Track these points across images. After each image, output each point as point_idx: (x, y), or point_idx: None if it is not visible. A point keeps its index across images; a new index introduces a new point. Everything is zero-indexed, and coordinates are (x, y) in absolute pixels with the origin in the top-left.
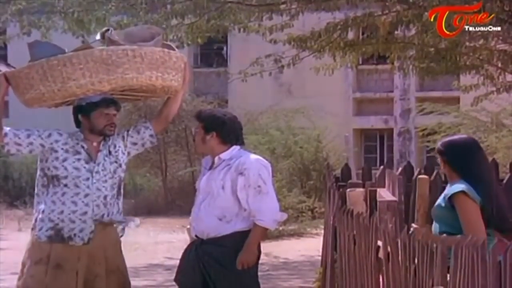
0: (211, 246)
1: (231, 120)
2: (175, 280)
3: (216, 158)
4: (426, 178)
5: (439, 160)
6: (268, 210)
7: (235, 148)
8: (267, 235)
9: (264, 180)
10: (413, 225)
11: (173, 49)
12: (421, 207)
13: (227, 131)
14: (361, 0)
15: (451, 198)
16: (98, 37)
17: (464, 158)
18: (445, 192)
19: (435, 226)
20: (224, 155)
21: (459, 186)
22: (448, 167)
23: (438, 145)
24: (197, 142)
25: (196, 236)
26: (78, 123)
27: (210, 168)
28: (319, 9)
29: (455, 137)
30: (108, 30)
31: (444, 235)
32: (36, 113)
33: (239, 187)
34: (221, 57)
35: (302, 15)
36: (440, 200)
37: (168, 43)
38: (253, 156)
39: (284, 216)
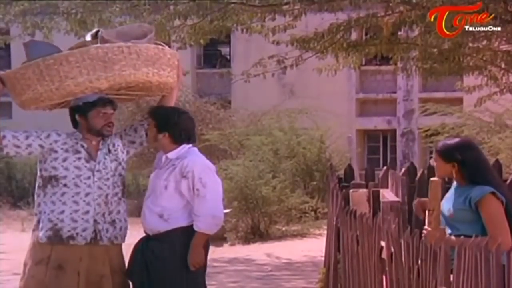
0: (154, 242)
1: (184, 120)
2: (126, 274)
3: (164, 157)
4: (438, 180)
5: (437, 166)
6: (204, 215)
7: (185, 147)
8: (268, 234)
9: (204, 183)
10: (427, 227)
11: (165, 47)
12: (434, 210)
13: (179, 131)
14: (364, 1)
15: (477, 201)
16: (88, 38)
17: (480, 159)
18: (468, 195)
19: (448, 229)
20: (171, 155)
21: (486, 188)
22: (462, 171)
23: (446, 149)
24: (149, 138)
25: (145, 232)
26: (75, 124)
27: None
28: (322, 10)
29: (456, 140)
30: (98, 30)
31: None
32: (39, 114)
33: (184, 189)
34: (224, 58)
35: (305, 16)
36: (459, 204)
37: (159, 41)
38: (198, 158)
39: (222, 218)
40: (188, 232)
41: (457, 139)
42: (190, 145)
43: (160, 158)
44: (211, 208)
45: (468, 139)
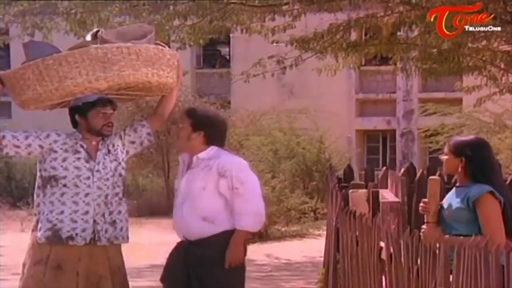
0: (198, 247)
1: (220, 122)
2: (161, 280)
3: (194, 158)
4: (438, 179)
5: (446, 160)
6: (246, 213)
7: (214, 148)
8: (268, 235)
9: (242, 181)
10: (424, 227)
11: (165, 47)
12: (432, 208)
13: (214, 132)
14: (363, 1)
15: (475, 200)
16: (88, 38)
17: (489, 159)
18: (467, 194)
19: (447, 229)
20: (203, 155)
21: (485, 187)
22: (467, 168)
23: (458, 144)
24: (181, 138)
25: (184, 237)
26: (75, 124)
27: (188, 167)
28: (322, 10)
29: (470, 137)
30: (98, 30)
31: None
32: (39, 114)
33: (223, 189)
34: (223, 58)
35: (304, 16)
36: (457, 203)
37: (159, 42)
38: (231, 157)
39: (263, 215)
40: (232, 235)
41: (471, 136)
42: (217, 147)
43: (184, 161)
44: (252, 205)
45: (482, 138)
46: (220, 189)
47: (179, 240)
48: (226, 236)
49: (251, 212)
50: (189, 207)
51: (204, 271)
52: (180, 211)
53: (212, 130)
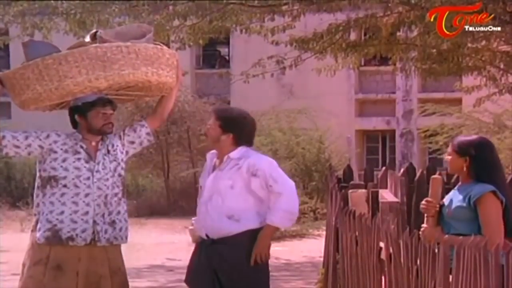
0: (222, 246)
1: (249, 123)
2: (186, 281)
3: (225, 157)
4: (439, 178)
5: (450, 160)
6: (277, 209)
7: (244, 148)
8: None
9: (275, 179)
10: (424, 225)
11: (163, 47)
12: (433, 208)
13: (243, 133)
14: (363, 1)
15: (477, 199)
16: (87, 39)
17: (492, 158)
18: (468, 193)
19: (446, 227)
20: (233, 154)
21: (488, 186)
22: (471, 167)
23: (462, 144)
24: (210, 137)
25: (206, 235)
26: (75, 124)
27: (215, 167)
28: (321, 10)
29: (474, 137)
30: (97, 31)
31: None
32: (39, 114)
33: (256, 188)
34: (223, 58)
35: (304, 16)
36: (458, 201)
37: (158, 42)
38: (261, 157)
39: (297, 213)
40: (257, 235)
41: (475, 136)
42: (246, 147)
43: (211, 160)
44: (285, 202)
45: (486, 138)
46: (252, 188)
47: (177, 240)
48: (251, 235)
49: (283, 208)
50: (215, 205)
51: (227, 270)
52: (204, 208)
53: (240, 132)
